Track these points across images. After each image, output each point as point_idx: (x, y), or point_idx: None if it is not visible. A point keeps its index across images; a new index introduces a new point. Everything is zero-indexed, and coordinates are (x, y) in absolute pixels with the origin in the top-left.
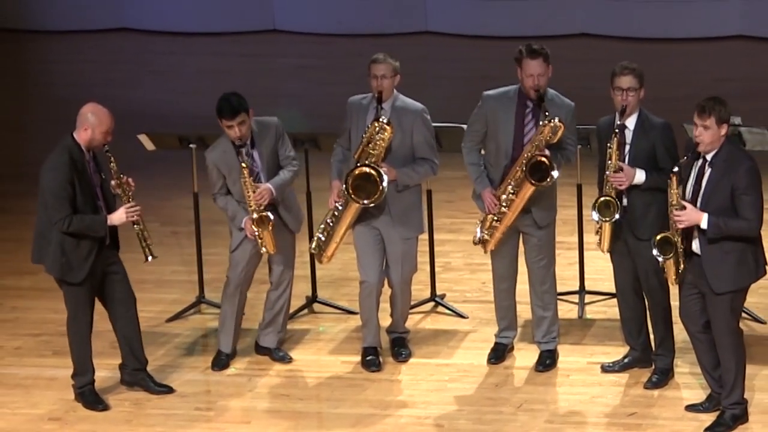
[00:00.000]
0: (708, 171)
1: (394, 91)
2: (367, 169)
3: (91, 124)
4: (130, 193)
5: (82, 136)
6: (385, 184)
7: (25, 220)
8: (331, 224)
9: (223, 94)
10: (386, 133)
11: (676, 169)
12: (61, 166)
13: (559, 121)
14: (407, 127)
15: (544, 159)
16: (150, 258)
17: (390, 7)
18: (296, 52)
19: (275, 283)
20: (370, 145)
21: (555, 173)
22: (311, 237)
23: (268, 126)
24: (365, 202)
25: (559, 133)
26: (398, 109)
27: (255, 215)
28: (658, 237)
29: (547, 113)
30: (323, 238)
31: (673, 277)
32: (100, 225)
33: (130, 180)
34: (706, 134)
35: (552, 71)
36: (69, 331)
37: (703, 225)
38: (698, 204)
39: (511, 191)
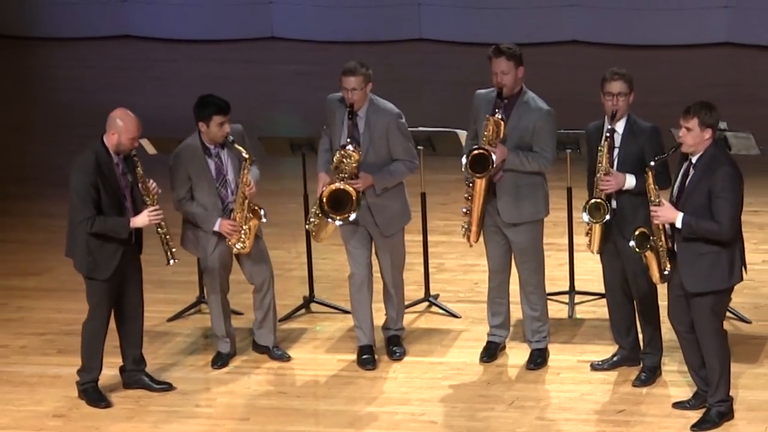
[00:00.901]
0: (691, 173)
1: (369, 95)
2: (342, 186)
3: (118, 130)
4: (154, 197)
5: (110, 139)
6: (353, 216)
7: (28, 222)
8: (320, 215)
9: (202, 97)
10: (352, 159)
11: (652, 163)
12: (86, 169)
13: (501, 118)
14: (382, 132)
15: (482, 152)
16: (172, 261)
17: (385, 15)
18: (294, 59)
19: (257, 285)
20: (342, 164)
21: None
22: (308, 239)
23: (235, 131)
24: (339, 222)
25: (502, 129)
26: (372, 115)
27: (245, 207)
28: (637, 232)
29: (497, 110)
30: (316, 222)
31: (657, 275)
32: (123, 227)
33: (154, 185)
34: (688, 136)
35: (523, 72)
36: (84, 327)
37: (678, 224)
38: (679, 204)
39: (469, 184)
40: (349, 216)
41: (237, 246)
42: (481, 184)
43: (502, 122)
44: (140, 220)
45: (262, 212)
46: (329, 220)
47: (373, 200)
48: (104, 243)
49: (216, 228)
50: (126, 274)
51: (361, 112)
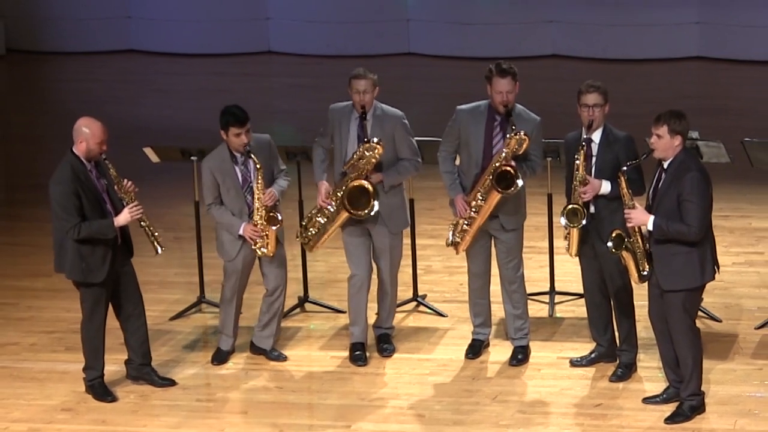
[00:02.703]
0: (663, 177)
1: (374, 101)
2: (365, 184)
3: (85, 137)
4: (131, 195)
5: (79, 148)
6: (376, 207)
7: (39, 227)
8: (323, 222)
9: (225, 107)
10: (377, 152)
11: (624, 169)
12: (64, 180)
13: (525, 134)
14: (389, 133)
15: (509, 169)
16: (160, 250)
17: (375, 31)
18: (289, 72)
19: (271, 289)
20: (361, 161)
21: (519, 182)
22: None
23: (262, 142)
24: (360, 214)
25: (525, 146)
26: (379, 117)
27: (263, 214)
28: (613, 234)
29: (514, 127)
30: (314, 232)
31: (635, 275)
32: (108, 228)
33: (130, 184)
34: (659, 143)
35: (518, 88)
36: (83, 329)
37: (649, 226)
38: (653, 207)
39: (480, 198)
40: (371, 209)
41: (261, 250)
42: (495, 198)
43: (526, 139)
44: (123, 218)
45: (279, 217)
46: (361, 213)
47: (381, 197)
48: (95, 247)
49: (240, 232)
50: (119, 275)
51: (368, 115)
